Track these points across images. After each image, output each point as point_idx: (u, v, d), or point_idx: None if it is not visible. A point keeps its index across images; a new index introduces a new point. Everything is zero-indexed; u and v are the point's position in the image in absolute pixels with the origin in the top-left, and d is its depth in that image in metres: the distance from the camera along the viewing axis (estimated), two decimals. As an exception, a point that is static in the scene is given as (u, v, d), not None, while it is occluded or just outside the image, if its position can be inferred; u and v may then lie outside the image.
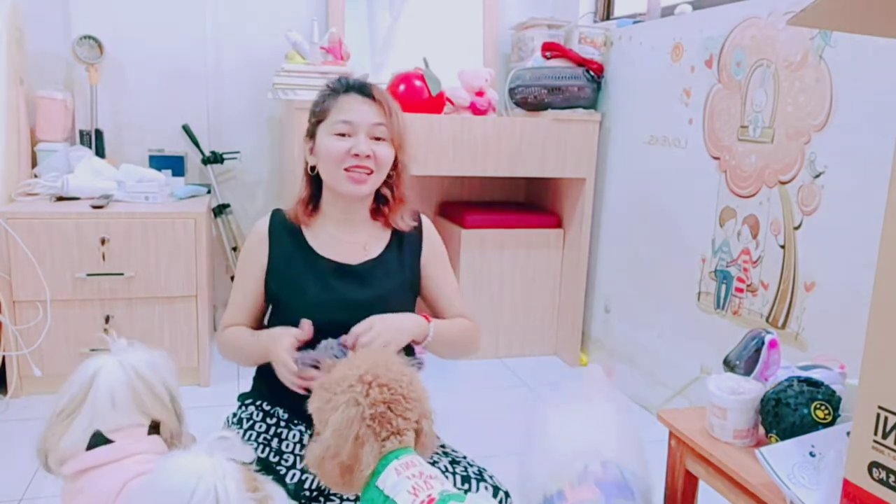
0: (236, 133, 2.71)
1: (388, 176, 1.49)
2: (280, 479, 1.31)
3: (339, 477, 0.99)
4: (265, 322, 1.54)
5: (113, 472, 0.98)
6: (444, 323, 1.48)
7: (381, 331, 1.31)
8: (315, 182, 1.50)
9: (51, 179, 2.20)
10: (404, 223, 1.51)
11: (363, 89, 1.43)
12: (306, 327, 1.31)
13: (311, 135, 1.46)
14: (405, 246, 1.52)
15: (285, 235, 1.47)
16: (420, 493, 0.91)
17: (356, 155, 1.38)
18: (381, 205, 1.52)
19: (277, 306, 1.47)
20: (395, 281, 1.48)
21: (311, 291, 1.42)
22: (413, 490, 0.92)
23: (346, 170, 1.39)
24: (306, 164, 1.49)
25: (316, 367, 1.27)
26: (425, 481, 0.94)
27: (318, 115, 1.44)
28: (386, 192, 1.51)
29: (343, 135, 1.39)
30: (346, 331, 1.41)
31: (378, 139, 1.41)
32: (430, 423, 1.07)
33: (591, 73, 2.43)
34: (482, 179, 2.92)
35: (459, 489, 1.29)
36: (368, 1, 2.72)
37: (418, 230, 1.55)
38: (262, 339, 1.39)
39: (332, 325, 1.38)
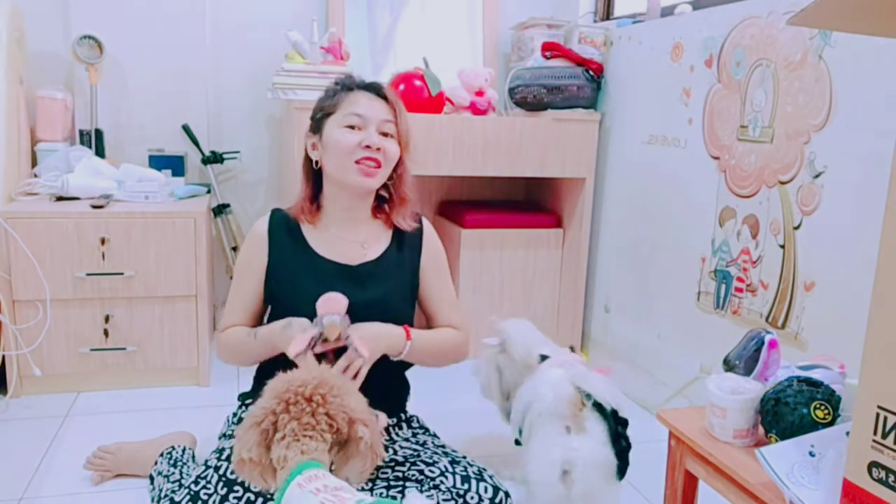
0: (236, 133, 2.71)
1: (390, 177, 1.50)
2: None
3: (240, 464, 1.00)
4: (264, 322, 1.54)
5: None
6: (426, 336, 1.48)
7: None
8: (316, 179, 1.50)
9: (51, 179, 2.20)
10: (406, 223, 1.51)
11: (374, 88, 1.45)
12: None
13: (316, 130, 1.46)
14: (405, 247, 1.53)
15: (285, 235, 1.48)
16: None
17: (367, 146, 1.39)
18: (382, 203, 1.52)
19: (277, 306, 1.47)
20: (394, 283, 1.48)
21: (310, 292, 1.42)
22: None
23: (356, 162, 1.39)
24: (307, 160, 1.49)
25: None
26: (333, 494, 0.87)
27: (326, 110, 1.44)
28: (385, 192, 1.52)
29: (353, 127, 1.40)
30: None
31: (386, 135, 1.43)
32: (367, 430, 1.00)
33: (591, 72, 2.43)
34: (482, 179, 2.92)
35: (459, 488, 1.29)
36: (368, 1, 2.72)
37: (419, 232, 1.55)
38: (265, 331, 1.39)
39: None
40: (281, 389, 1.00)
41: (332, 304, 1.29)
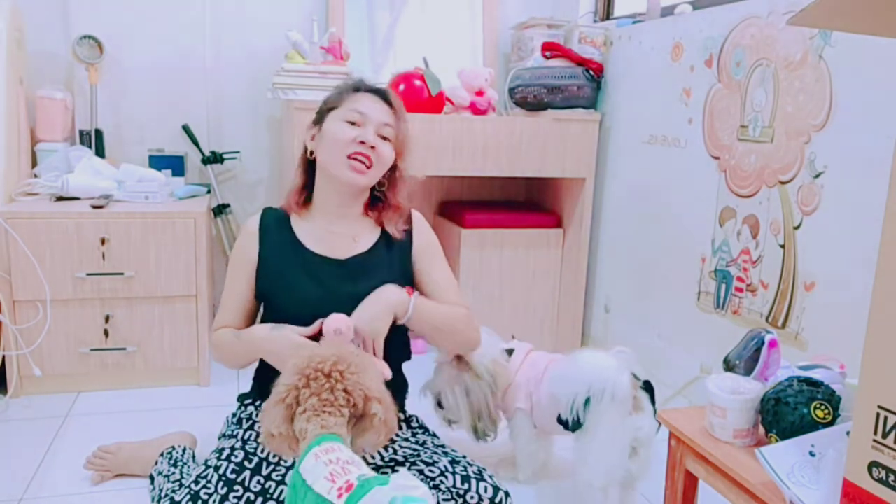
0: (236, 133, 2.71)
1: (381, 183, 1.51)
2: (281, 480, 1.31)
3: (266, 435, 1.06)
4: (258, 321, 1.54)
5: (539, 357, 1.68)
6: (430, 302, 1.46)
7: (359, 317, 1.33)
8: (310, 173, 1.52)
9: (51, 179, 2.20)
10: (395, 230, 1.52)
11: (381, 92, 1.49)
12: (316, 326, 1.33)
13: (318, 122, 1.48)
14: (395, 243, 1.53)
15: (275, 232, 1.48)
16: (338, 478, 0.92)
17: (362, 142, 1.40)
18: (375, 203, 1.53)
19: (268, 302, 1.48)
20: (385, 276, 1.48)
21: (300, 287, 1.43)
22: (331, 476, 0.92)
23: (349, 156, 1.41)
24: (304, 150, 1.51)
25: None
26: (342, 467, 0.94)
27: (330, 104, 1.48)
28: (381, 196, 1.53)
29: (353, 123, 1.42)
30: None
31: (384, 138, 1.44)
32: (380, 407, 1.06)
33: (591, 72, 2.43)
34: (482, 179, 2.92)
35: (459, 488, 1.29)
36: (368, 1, 2.72)
37: (408, 229, 1.56)
38: (254, 336, 1.39)
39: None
40: (302, 365, 1.06)
41: (340, 340, 1.28)
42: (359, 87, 1.48)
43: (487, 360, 1.61)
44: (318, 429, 1.00)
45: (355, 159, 1.40)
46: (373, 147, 1.40)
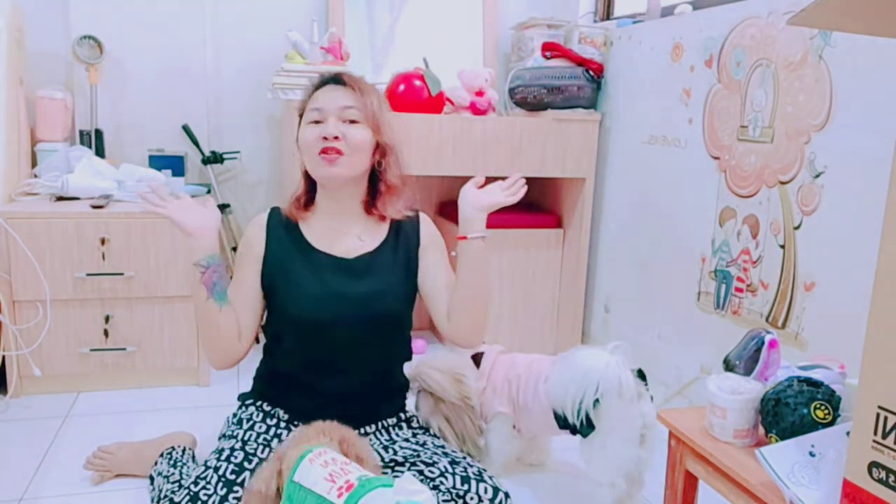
0: (236, 133, 2.71)
1: (379, 163, 1.50)
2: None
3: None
4: (262, 322, 1.54)
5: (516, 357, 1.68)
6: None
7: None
8: (311, 180, 1.52)
9: (51, 179, 2.20)
10: (395, 211, 1.51)
11: (335, 78, 1.46)
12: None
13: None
14: (402, 239, 1.53)
15: (283, 231, 1.49)
16: (338, 478, 0.92)
17: (325, 137, 1.39)
18: (374, 198, 1.52)
19: (271, 298, 1.47)
20: (390, 275, 1.48)
21: (306, 285, 1.43)
22: (331, 476, 0.92)
23: (318, 154, 1.41)
24: (302, 163, 1.52)
25: None
26: (342, 467, 0.94)
27: (300, 112, 1.49)
28: (377, 184, 1.52)
29: (317, 122, 1.42)
30: (340, 325, 1.41)
31: (352, 122, 1.43)
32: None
33: (591, 72, 2.43)
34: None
35: (459, 489, 1.29)
36: (368, 1, 2.72)
37: (416, 224, 1.56)
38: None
39: (327, 319, 1.39)
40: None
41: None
42: (316, 85, 1.47)
43: (450, 377, 1.59)
44: (302, 449, 1.01)
45: (324, 155, 1.40)
46: (336, 137, 1.39)
